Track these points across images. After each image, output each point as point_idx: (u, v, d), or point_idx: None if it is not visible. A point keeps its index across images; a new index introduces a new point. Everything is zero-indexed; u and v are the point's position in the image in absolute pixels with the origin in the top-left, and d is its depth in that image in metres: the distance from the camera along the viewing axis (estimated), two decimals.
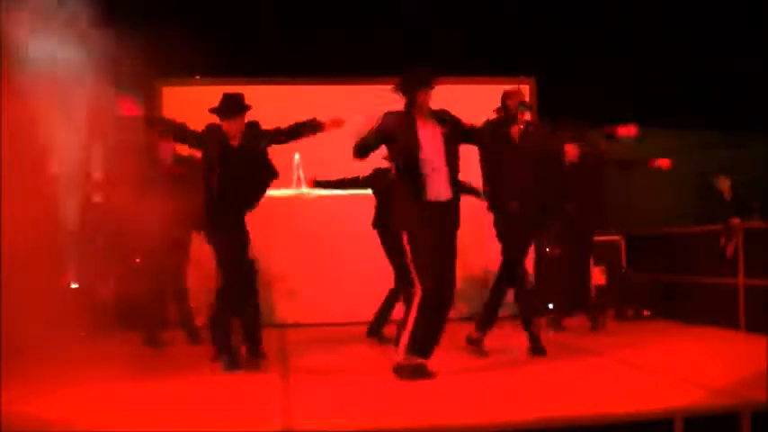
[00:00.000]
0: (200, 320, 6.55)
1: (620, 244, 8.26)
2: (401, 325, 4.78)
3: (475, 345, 5.61)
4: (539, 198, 5.60)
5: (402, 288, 6.15)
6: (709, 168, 8.34)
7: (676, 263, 7.67)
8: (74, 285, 6.86)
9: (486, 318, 5.68)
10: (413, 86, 4.84)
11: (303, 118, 5.38)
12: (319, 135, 5.44)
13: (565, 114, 6.98)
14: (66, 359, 4.94)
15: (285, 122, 5.35)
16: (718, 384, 4.30)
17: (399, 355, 4.75)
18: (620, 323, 7.53)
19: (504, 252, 5.64)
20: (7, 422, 3.58)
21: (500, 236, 5.63)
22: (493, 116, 5.65)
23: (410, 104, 4.88)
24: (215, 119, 5.23)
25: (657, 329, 7.02)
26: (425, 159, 4.75)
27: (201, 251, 5.82)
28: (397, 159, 4.87)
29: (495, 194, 5.65)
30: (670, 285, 7.68)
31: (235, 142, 5.21)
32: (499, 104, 5.72)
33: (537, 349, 5.60)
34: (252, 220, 5.37)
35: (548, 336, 6.26)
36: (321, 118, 5.37)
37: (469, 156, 5.36)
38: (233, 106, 5.21)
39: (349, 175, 6.57)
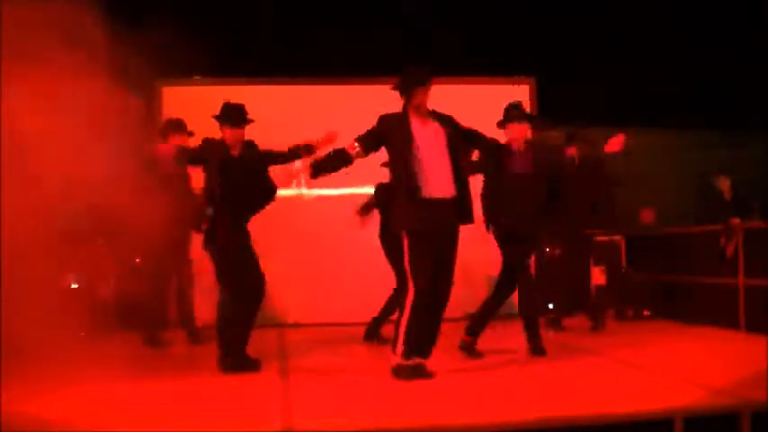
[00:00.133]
0: (200, 321, 6.57)
1: (620, 244, 8.26)
2: (397, 326, 4.77)
3: (467, 351, 5.56)
4: (537, 214, 5.59)
5: (401, 291, 6.13)
6: (710, 168, 8.35)
7: (676, 263, 7.67)
8: (74, 285, 6.86)
9: (480, 321, 5.63)
10: (409, 86, 4.85)
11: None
12: (320, 136, 5.45)
13: (567, 124, 7.02)
14: (66, 359, 4.93)
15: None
16: (718, 384, 4.30)
17: (396, 356, 4.74)
18: (620, 323, 7.52)
19: (505, 255, 5.63)
20: (7, 422, 3.58)
21: (499, 242, 5.63)
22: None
23: (407, 104, 4.88)
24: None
25: (657, 329, 7.02)
26: (421, 157, 4.74)
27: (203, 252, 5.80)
28: (393, 159, 4.87)
29: (492, 211, 5.62)
30: (670, 285, 7.68)
31: (235, 152, 5.24)
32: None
33: (537, 349, 5.59)
34: (252, 219, 5.36)
35: (548, 336, 6.26)
36: (314, 137, 5.40)
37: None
38: (239, 115, 5.24)
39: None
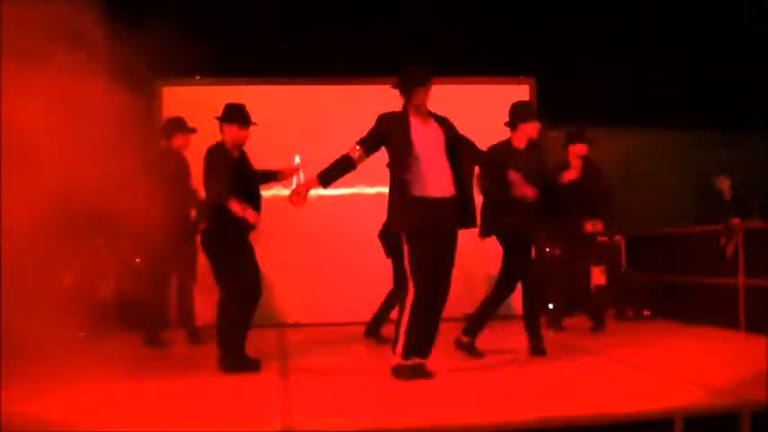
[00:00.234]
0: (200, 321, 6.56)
1: (620, 244, 8.26)
2: (397, 326, 4.77)
3: (466, 350, 5.56)
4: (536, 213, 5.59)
5: (400, 289, 6.13)
6: (709, 168, 8.35)
7: (676, 263, 7.67)
8: (73, 285, 6.85)
9: (478, 321, 5.62)
10: (410, 85, 4.85)
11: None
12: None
13: (567, 124, 7.02)
14: (66, 359, 4.93)
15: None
16: (718, 384, 4.30)
17: (396, 356, 4.74)
18: (620, 323, 7.53)
19: (505, 256, 5.63)
20: (7, 422, 3.58)
21: (501, 242, 5.62)
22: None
23: (407, 103, 4.88)
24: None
25: (657, 329, 7.03)
26: (419, 156, 4.74)
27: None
28: (392, 158, 4.87)
29: (490, 211, 5.61)
30: (670, 285, 7.68)
31: (236, 154, 5.26)
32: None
33: (537, 349, 5.59)
34: None
35: (548, 336, 6.25)
36: (278, 166, 5.56)
37: None
38: (246, 116, 5.26)
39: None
